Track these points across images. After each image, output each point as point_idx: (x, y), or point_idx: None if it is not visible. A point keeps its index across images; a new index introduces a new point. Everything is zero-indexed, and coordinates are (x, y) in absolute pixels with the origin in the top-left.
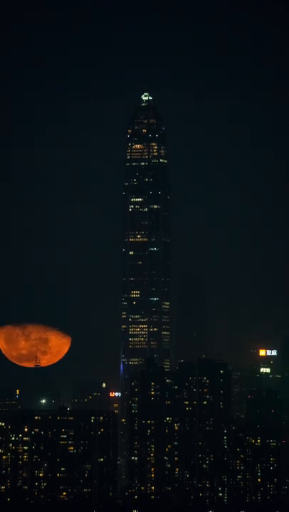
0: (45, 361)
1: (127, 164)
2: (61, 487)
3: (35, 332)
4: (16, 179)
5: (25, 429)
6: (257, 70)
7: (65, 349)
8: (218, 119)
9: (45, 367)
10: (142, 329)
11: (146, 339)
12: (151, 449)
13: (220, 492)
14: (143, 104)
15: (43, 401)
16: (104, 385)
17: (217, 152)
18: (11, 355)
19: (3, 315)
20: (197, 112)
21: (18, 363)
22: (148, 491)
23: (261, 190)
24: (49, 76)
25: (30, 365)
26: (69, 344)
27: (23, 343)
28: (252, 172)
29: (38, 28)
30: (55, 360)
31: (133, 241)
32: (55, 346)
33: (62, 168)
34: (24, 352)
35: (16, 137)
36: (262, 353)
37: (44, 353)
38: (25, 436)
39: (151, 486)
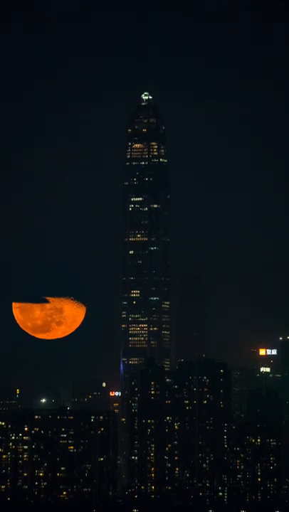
0: (60, 332)
1: (127, 164)
2: (61, 486)
3: (50, 302)
4: (16, 180)
5: (26, 429)
6: (257, 69)
7: (80, 319)
8: (218, 119)
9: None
10: (142, 329)
11: (147, 339)
12: (151, 449)
13: (220, 491)
14: (143, 104)
15: (43, 400)
16: (104, 384)
17: (217, 152)
18: (26, 325)
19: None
20: (197, 111)
21: (33, 334)
22: (148, 491)
23: (261, 190)
24: (49, 76)
25: (45, 336)
26: (84, 314)
27: (38, 313)
28: (252, 172)
29: (38, 28)
30: (70, 330)
31: (133, 240)
32: (70, 316)
33: (63, 168)
34: (39, 322)
35: (16, 137)
36: (262, 352)
37: (59, 323)
38: (25, 436)
39: (152, 485)
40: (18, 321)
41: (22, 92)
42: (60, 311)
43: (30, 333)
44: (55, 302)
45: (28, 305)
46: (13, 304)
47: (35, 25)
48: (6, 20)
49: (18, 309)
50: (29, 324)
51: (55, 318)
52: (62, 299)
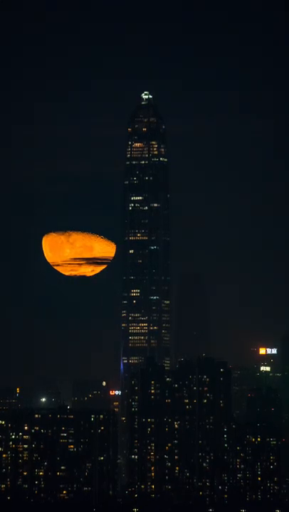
0: (89, 270)
1: (127, 163)
2: (61, 486)
3: (79, 240)
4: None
5: (26, 428)
6: (256, 68)
7: (110, 257)
8: (218, 118)
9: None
10: (142, 328)
11: (147, 338)
12: (151, 448)
13: (220, 491)
14: (143, 103)
15: (43, 399)
16: (104, 383)
17: (217, 151)
18: (55, 263)
19: None
20: (197, 111)
21: (63, 272)
22: (148, 490)
23: (262, 189)
24: (49, 76)
25: (76, 274)
26: (114, 252)
27: (68, 251)
28: (252, 171)
29: (38, 28)
30: (99, 269)
31: (133, 239)
32: (100, 254)
33: (63, 168)
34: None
35: (16, 138)
36: (262, 351)
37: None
38: (26, 435)
39: (152, 484)
40: (47, 259)
41: (22, 92)
42: (90, 249)
43: (60, 271)
44: (84, 240)
45: (58, 243)
46: (44, 242)
47: (35, 24)
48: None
49: (48, 247)
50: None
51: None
52: (92, 236)
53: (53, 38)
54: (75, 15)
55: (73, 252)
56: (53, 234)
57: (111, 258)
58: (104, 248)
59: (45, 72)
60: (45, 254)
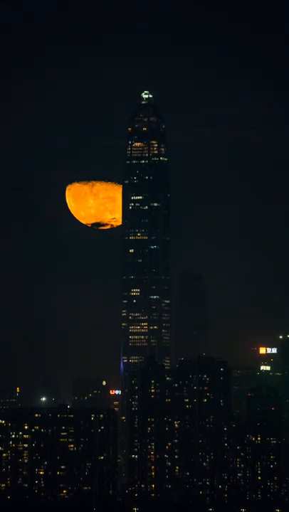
0: (113, 221)
1: (127, 162)
2: (61, 485)
3: (103, 190)
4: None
5: (26, 427)
6: (255, 68)
7: None
8: (218, 117)
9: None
10: (142, 327)
11: (147, 337)
12: (151, 447)
13: (220, 490)
14: (143, 102)
15: (43, 399)
16: (104, 382)
17: (217, 150)
18: (79, 214)
19: None
20: (197, 110)
21: (86, 223)
22: (148, 489)
23: (262, 189)
24: (49, 74)
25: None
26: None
27: (92, 201)
28: (252, 171)
29: (38, 28)
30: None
31: (133, 239)
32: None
33: (63, 167)
34: (92, 211)
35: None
36: (262, 350)
37: (112, 212)
38: (26, 434)
39: (152, 484)
40: (71, 210)
41: (21, 103)
42: (114, 199)
43: (83, 222)
44: (108, 191)
45: (82, 193)
46: (67, 192)
47: (35, 25)
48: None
49: (71, 198)
50: (82, 213)
51: (109, 207)
52: (115, 186)
53: (53, 38)
54: (74, 15)
55: (97, 202)
56: (77, 184)
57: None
58: None
59: (45, 71)
60: (68, 205)
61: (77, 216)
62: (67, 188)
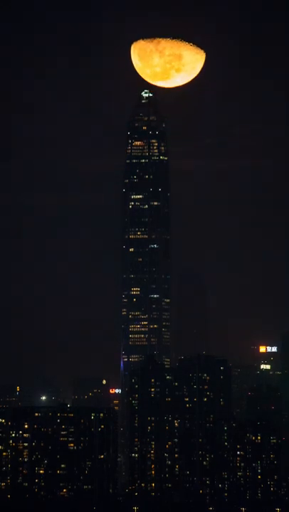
0: (179, 79)
1: (128, 161)
2: (61, 484)
3: (168, 48)
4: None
5: (26, 426)
6: (256, 68)
7: (200, 65)
8: (218, 118)
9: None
10: (142, 326)
11: (147, 336)
12: (151, 446)
13: (220, 489)
14: (143, 101)
15: (44, 398)
16: (104, 381)
17: (217, 150)
18: (144, 73)
19: None
20: (197, 109)
21: (152, 81)
22: (148, 488)
23: (262, 188)
24: (49, 75)
25: (164, 84)
26: (203, 60)
27: (157, 59)
28: (251, 171)
29: (38, 28)
30: (189, 78)
31: (133, 238)
32: (189, 63)
33: (64, 167)
34: (158, 70)
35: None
36: (262, 349)
37: (178, 70)
38: (26, 433)
39: (152, 482)
40: (137, 69)
41: (21, 98)
42: (179, 57)
43: (149, 80)
44: (174, 48)
45: (147, 51)
46: (132, 49)
47: (35, 25)
48: None
49: (137, 56)
50: (148, 71)
51: (174, 65)
52: (181, 44)
53: (52, 38)
54: (75, 14)
55: (162, 60)
56: (142, 41)
57: (199, 70)
58: (194, 56)
59: (45, 72)
60: (133, 63)
61: (142, 75)
62: (133, 45)
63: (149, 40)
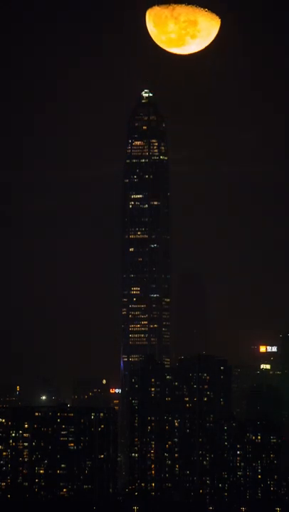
0: (194, 45)
1: (127, 161)
2: (61, 484)
3: (184, 14)
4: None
5: (26, 426)
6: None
7: (215, 32)
8: (218, 117)
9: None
10: (142, 326)
11: (147, 336)
12: (151, 446)
13: (220, 489)
14: (143, 101)
15: (44, 397)
16: (104, 381)
17: (217, 149)
18: (159, 39)
19: None
20: (197, 109)
21: (167, 48)
22: (148, 488)
23: (261, 187)
24: (49, 74)
25: (180, 51)
26: (218, 26)
27: (172, 26)
28: (251, 171)
29: (38, 28)
30: (205, 44)
31: (133, 237)
32: (205, 29)
33: (64, 167)
34: (173, 36)
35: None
36: (262, 349)
37: (193, 36)
38: (26, 433)
39: (152, 482)
40: (152, 35)
41: (22, 102)
42: (195, 23)
43: (164, 47)
44: (189, 14)
45: (162, 18)
46: (147, 15)
47: (35, 25)
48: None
49: (152, 22)
50: (163, 38)
51: (190, 32)
52: (196, 10)
53: (52, 38)
54: (74, 15)
55: (177, 27)
56: (157, 7)
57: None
58: (209, 23)
59: (45, 72)
60: (148, 30)
61: (157, 41)
62: (148, 11)
63: (164, 6)
